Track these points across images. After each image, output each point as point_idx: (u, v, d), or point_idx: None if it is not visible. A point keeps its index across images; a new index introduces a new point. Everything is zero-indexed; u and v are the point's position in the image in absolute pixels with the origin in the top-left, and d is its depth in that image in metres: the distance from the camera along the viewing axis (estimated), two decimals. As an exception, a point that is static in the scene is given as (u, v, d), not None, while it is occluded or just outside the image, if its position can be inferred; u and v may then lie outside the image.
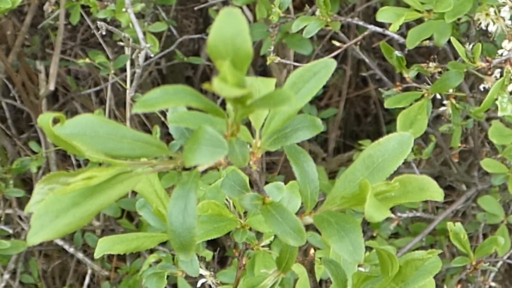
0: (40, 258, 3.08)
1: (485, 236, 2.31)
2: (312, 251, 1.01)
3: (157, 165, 0.81)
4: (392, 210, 2.38)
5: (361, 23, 2.05)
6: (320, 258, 1.13)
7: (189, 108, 0.84)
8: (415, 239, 2.25)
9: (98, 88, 3.17)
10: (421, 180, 0.90)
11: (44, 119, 0.76)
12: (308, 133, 0.87)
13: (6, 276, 2.61)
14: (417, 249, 1.93)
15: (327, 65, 0.86)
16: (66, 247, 2.65)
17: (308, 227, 0.91)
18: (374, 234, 2.49)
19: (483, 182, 2.44)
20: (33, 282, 2.84)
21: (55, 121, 0.79)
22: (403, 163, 2.17)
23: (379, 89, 1.91)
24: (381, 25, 2.08)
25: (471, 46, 1.64)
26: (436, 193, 0.88)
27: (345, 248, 0.85)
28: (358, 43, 2.19)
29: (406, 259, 0.98)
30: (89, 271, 2.81)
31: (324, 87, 3.05)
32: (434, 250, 0.97)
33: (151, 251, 2.54)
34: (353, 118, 3.77)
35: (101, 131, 0.81)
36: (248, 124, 0.91)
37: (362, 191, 0.85)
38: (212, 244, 2.56)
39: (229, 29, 0.72)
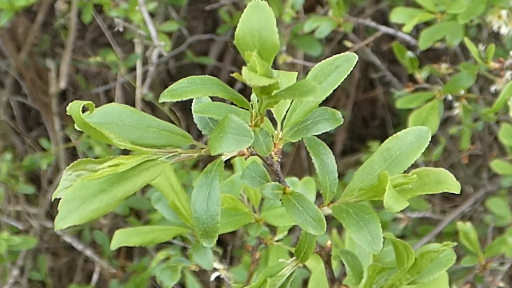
0: (48, 255, 3.09)
1: (493, 239, 2.32)
2: (329, 242, 1.03)
3: (182, 153, 0.83)
4: (401, 210, 2.40)
5: (373, 24, 2.07)
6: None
7: (213, 99, 0.86)
8: (422, 240, 2.26)
9: (107, 87, 3.18)
10: (438, 172, 0.91)
11: (74, 107, 0.78)
12: (329, 125, 0.89)
13: (15, 272, 2.63)
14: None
15: (349, 59, 0.88)
16: (75, 244, 2.66)
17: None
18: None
19: (492, 184, 2.45)
20: (40, 279, 2.85)
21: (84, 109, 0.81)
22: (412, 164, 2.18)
23: (392, 89, 1.93)
24: (391, 27, 2.10)
25: (484, 47, 1.65)
26: (453, 186, 0.90)
27: (363, 238, 0.87)
28: (369, 45, 2.20)
29: (422, 251, 1.00)
30: (97, 269, 2.82)
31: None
32: (449, 243, 0.99)
33: (158, 249, 2.56)
34: (360, 121, 3.78)
35: (128, 120, 0.83)
36: (269, 117, 0.93)
37: (380, 183, 0.87)
38: (219, 244, 2.58)
39: (256, 21, 0.74)
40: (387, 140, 0.95)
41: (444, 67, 1.83)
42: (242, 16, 0.74)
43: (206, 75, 0.77)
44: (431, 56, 3.11)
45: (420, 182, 0.91)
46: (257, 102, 0.81)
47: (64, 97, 3.36)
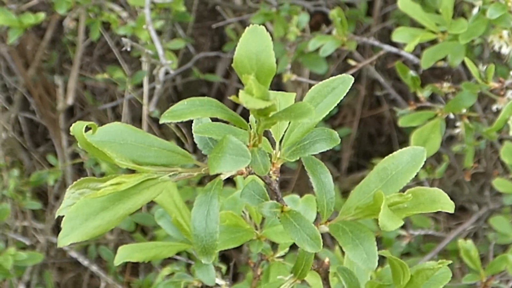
0: (54, 270, 3.11)
1: (496, 256, 2.33)
2: (327, 259, 1.05)
3: (182, 172, 0.85)
4: (404, 227, 2.41)
5: (376, 43, 2.09)
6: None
7: (213, 120, 0.88)
8: (426, 257, 2.27)
9: (114, 103, 3.21)
10: (433, 192, 0.93)
11: (78, 127, 0.80)
12: (326, 145, 0.91)
13: (21, 287, 2.65)
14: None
15: (345, 81, 0.90)
16: (81, 259, 2.68)
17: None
18: (386, 252, 2.50)
19: (495, 202, 2.46)
20: (46, 295, 2.87)
21: (87, 129, 0.83)
22: (416, 181, 2.19)
23: (394, 108, 1.95)
24: (396, 46, 2.11)
25: (484, 67, 1.67)
26: (447, 205, 0.92)
27: (359, 255, 0.89)
28: (373, 63, 2.22)
29: (417, 268, 1.01)
30: (103, 285, 2.84)
31: (338, 106, 3.08)
32: (444, 261, 1.01)
33: (164, 265, 2.57)
34: (366, 138, 3.79)
35: (130, 139, 0.85)
36: (268, 136, 0.95)
37: (376, 202, 0.89)
38: (225, 260, 2.59)
39: (254, 45, 0.76)
40: (383, 159, 0.97)
41: (446, 86, 1.85)
42: (240, 40, 0.77)
43: (206, 97, 0.79)
44: (437, 73, 3.13)
45: (415, 201, 0.93)
46: (255, 123, 0.83)
47: (72, 113, 3.39)
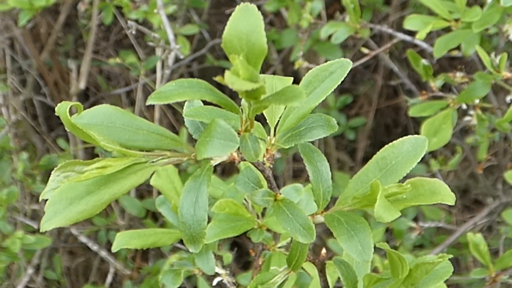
0: (64, 255, 3.10)
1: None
2: (323, 251, 1.02)
3: (171, 157, 0.82)
4: (416, 219, 2.37)
5: (390, 31, 2.05)
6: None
7: (205, 103, 0.85)
8: (435, 250, 2.23)
9: (128, 88, 3.19)
10: (433, 183, 0.90)
11: (62, 107, 0.77)
12: (322, 132, 0.88)
13: (30, 271, 2.63)
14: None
15: (343, 65, 0.87)
16: (90, 244, 2.66)
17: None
18: (397, 244, 2.47)
19: (508, 195, 2.42)
20: (56, 278, 2.86)
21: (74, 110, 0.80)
22: (429, 173, 2.15)
23: (405, 97, 1.91)
24: (411, 34, 2.07)
25: (499, 56, 1.63)
26: (448, 197, 0.88)
27: (354, 247, 0.85)
28: (388, 52, 2.18)
29: (417, 262, 0.98)
30: (112, 270, 2.83)
31: (355, 96, 3.04)
32: (444, 255, 0.97)
33: (174, 251, 2.55)
34: (382, 128, 3.75)
35: (118, 122, 0.82)
36: (264, 122, 0.91)
37: (373, 192, 0.85)
38: (237, 248, 2.56)
39: (244, 25, 0.73)
40: (383, 148, 0.94)
41: (459, 76, 1.81)
42: (230, 19, 0.73)
43: (195, 79, 0.76)
44: (456, 63, 3.08)
45: (415, 192, 0.89)
46: (247, 107, 0.80)
47: (86, 97, 3.37)
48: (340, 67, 0.87)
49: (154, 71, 2.86)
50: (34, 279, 2.77)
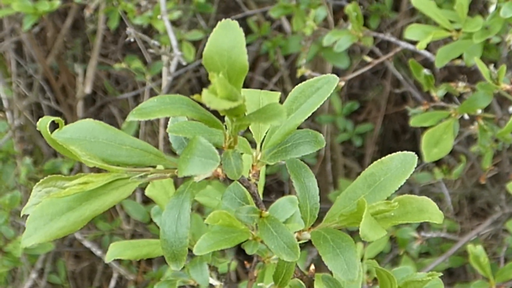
0: (69, 259, 3.10)
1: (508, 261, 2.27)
2: (312, 267, 1.01)
3: (154, 173, 0.81)
4: (420, 227, 2.35)
5: (393, 39, 2.03)
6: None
7: (191, 118, 0.84)
8: (438, 259, 2.21)
9: (135, 92, 3.18)
10: (421, 201, 0.88)
11: (43, 122, 0.76)
12: (309, 148, 0.86)
13: (33, 275, 2.63)
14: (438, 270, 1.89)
15: (329, 81, 0.85)
16: (94, 249, 2.66)
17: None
18: (401, 253, 2.46)
19: (510, 205, 2.40)
20: (59, 283, 2.86)
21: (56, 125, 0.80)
22: (431, 183, 2.13)
23: (406, 107, 1.89)
24: (415, 42, 2.05)
25: (498, 67, 1.61)
26: (435, 215, 0.87)
27: (339, 266, 0.84)
28: (396, 58, 2.16)
29: (406, 280, 0.97)
30: (115, 275, 2.82)
31: (363, 101, 3.03)
32: (434, 273, 0.96)
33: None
34: (391, 135, 3.74)
35: (101, 136, 0.81)
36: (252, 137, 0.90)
37: (359, 210, 0.84)
38: (246, 256, 2.55)
39: (226, 41, 0.72)
40: (371, 165, 0.92)
41: (461, 86, 1.79)
42: (211, 35, 0.72)
43: (178, 95, 0.75)
44: (464, 72, 3.06)
45: (403, 210, 0.88)
46: (231, 123, 0.79)
47: (93, 101, 3.37)
48: (326, 83, 0.85)
49: (161, 75, 2.86)
50: (38, 283, 2.77)
